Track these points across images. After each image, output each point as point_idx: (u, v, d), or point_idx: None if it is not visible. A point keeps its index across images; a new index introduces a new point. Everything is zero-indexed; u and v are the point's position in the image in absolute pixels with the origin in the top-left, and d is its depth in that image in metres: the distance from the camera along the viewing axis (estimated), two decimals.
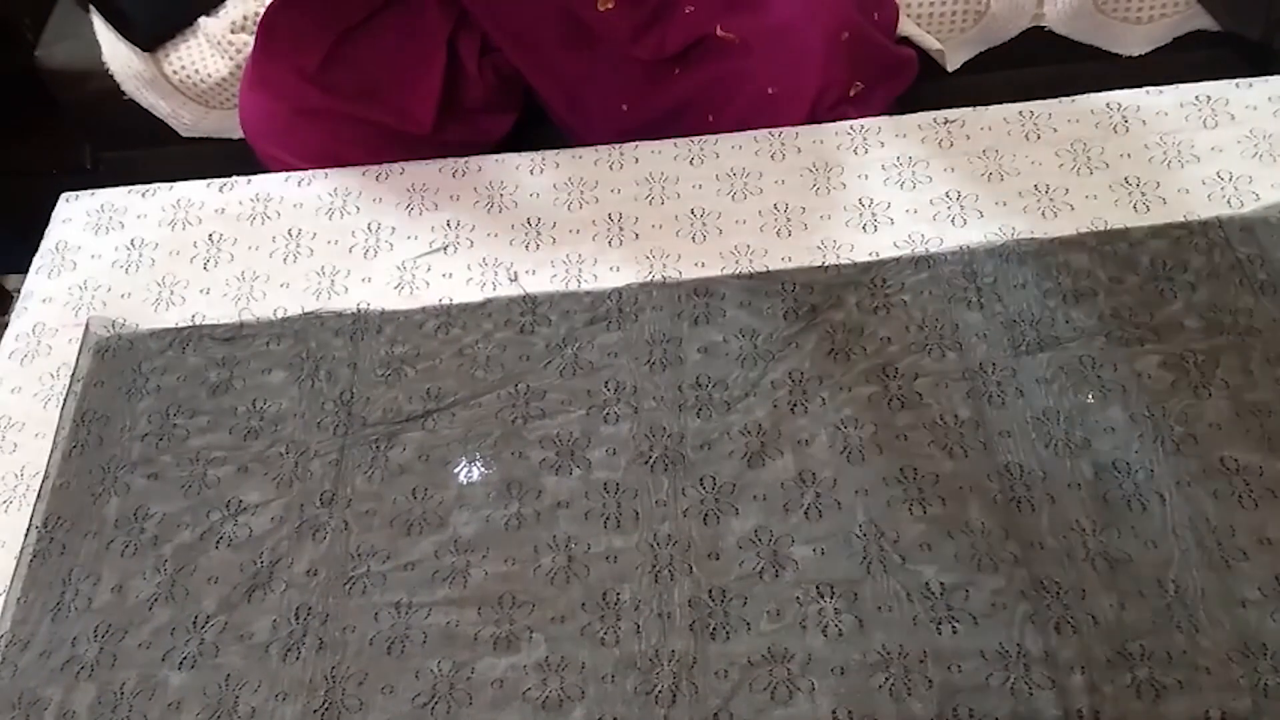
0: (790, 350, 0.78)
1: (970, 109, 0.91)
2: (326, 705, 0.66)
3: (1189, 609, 0.64)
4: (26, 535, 0.77)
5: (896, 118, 0.93)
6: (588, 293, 0.84)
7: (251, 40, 1.11)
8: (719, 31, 0.96)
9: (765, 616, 0.67)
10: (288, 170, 0.98)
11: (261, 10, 1.09)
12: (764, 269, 0.83)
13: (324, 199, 0.94)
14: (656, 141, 0.93)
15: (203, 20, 1.21)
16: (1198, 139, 0.87)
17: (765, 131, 0.93)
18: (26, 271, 0.94)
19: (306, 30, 0.98)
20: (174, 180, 0.98)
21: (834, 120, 0.94)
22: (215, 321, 0.87)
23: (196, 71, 1.21)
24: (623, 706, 0.64)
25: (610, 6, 0.96)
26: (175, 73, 1.21)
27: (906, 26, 1.13)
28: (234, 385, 0.82)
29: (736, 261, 0.85)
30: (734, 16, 0.97)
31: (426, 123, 1.00)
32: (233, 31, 1.21)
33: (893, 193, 0.87)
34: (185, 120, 1.25)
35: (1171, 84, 0.90)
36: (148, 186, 0.98)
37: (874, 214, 0.86)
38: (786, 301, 0.81)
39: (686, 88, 1.01)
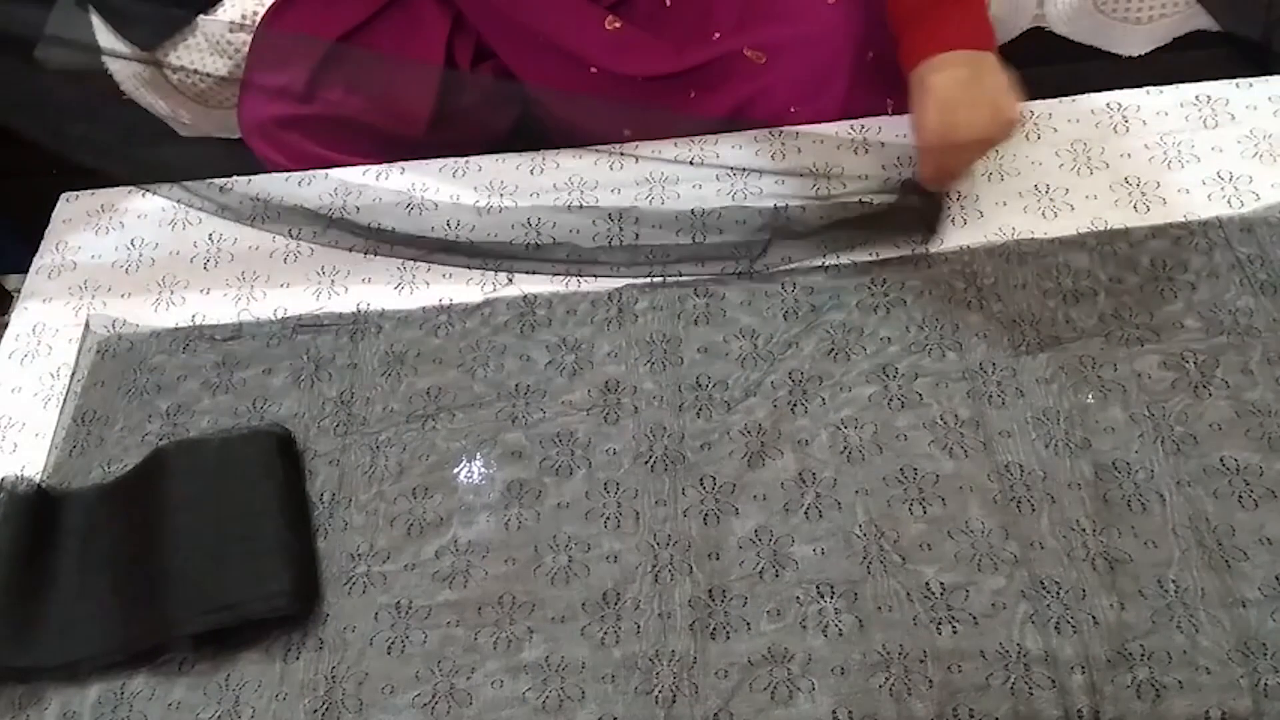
0: (790, 350, 0.78)
1: None
2: (326, 705, 0.66)
3: (1189, 609, 0.64)
4: None
5: (897, 118, 0.92)
6: (588, 293, 0.84)
7: (250, 39, 1.11)
8: (747, 52, 0.91)
9: (765, 616, 0.67)
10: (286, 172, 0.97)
11: (261, 10, 1.09)
12: (764, 269, 0.83)
13: (324, 199, 0.94)
14: (656, 142, 0.93)
15: (202, 19, 1.21)
16: (1198, 139, 0.87)
17: (765, 131, 0.92)
18: (26, 271, 0.94)
19: (305, 33, 0.97)
20: (174, 180, 0.98)
21: None
22: (215, 321, 0.87)
23: (196, 71, 1.20)
24: (623, 707, 0.64)
25: (618, 26, 0.92)
26: (175, 72, 1.21)
27: None
28: (234, 385, 0.82)
29: (736, 261, 0.84)
30: (759, 32, 0.91)
31: (421, 124, 0.99)
32: (232, 31, 1.20)
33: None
34: (185, 120, 1.25)
35: (1171, 84, 0.90)
36: (148, 186, 0.98)
37: None
38: (786, 301, 0.81)
39: (703, 113, 0.95)
